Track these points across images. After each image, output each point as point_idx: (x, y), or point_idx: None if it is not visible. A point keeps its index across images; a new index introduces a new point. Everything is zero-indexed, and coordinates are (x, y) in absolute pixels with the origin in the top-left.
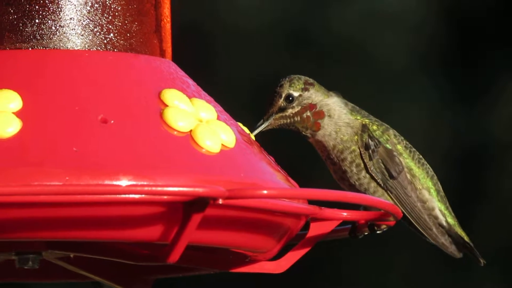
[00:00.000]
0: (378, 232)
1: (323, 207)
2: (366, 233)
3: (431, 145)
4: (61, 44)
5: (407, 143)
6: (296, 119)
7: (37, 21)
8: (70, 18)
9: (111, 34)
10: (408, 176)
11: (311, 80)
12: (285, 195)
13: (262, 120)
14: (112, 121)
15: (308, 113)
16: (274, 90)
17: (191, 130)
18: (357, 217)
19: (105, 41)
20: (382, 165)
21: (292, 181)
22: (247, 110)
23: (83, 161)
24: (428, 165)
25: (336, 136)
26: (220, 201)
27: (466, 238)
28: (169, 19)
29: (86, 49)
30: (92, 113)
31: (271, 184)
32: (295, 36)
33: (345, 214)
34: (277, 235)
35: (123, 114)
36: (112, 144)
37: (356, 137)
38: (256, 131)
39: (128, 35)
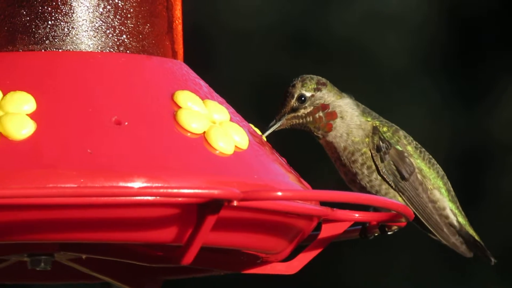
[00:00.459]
0: (389, 233)
1: (335, 209)
2: (376, 234)
3: (431, 145)
4: (74, 46)
5: (417, 143)
6: (308, 119)
7: (49, 23)
8: (83, 20)
9: (124, 36)
10: (419, 176)
11: (323, 80)
12: (299, 197)
13: (274, 120)
14: (126, 123)
15: (321, 114)
16: (286, 90)
17: (204, 132)
18: (369, 218)
19: (118, 43)
20: (393, 166)
21: (304, 182)
22: (247, 110)
23: (97, 163)
24: (438, 165)
25: (347, 138)
26: (235, 203)
27: (477, 237)
28: (180, 21)
29: (99, 50)
30: (105, 114)
31: (285, 185)
32: (295, 37)
33: (357, 215)
34: (289, 236)
35: (136, 116)
36: (126, 146)
37: (367, 139)
38: (269, 131)
39: (141, 36)
